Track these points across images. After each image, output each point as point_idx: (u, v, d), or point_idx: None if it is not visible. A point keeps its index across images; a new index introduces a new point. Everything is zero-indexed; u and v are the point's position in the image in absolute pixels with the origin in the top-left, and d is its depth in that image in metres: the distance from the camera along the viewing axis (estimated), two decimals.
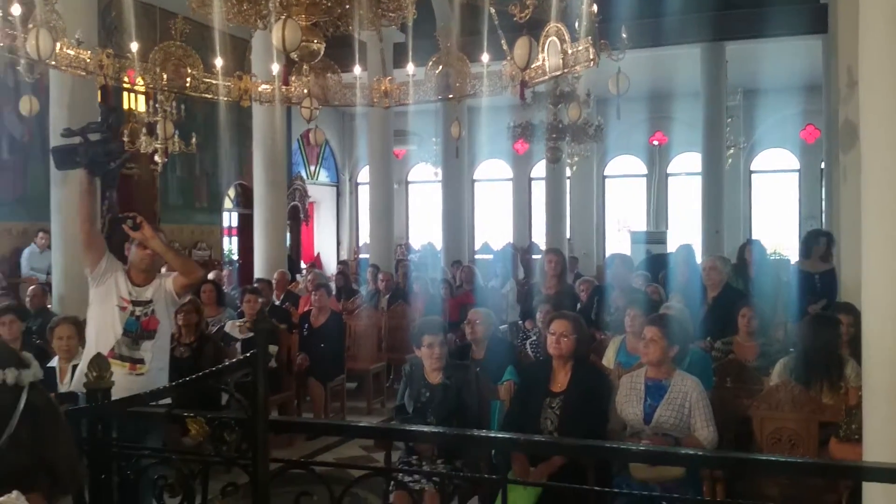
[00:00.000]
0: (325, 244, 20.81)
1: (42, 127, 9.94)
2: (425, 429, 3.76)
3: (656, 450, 3.31)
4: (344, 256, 19.74)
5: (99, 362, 2.94)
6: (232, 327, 7.28)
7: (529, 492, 4.06)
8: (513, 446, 3.09)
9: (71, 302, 8.09)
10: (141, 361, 4.32)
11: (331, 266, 18.26)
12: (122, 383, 3.65)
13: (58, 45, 5.49)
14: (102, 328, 4.37)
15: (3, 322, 5.76)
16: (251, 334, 6.97)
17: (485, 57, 5.95)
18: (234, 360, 5.80)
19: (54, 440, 1.56)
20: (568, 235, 16.22)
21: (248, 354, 2.73)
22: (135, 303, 4.35)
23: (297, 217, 18.48)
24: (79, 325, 5.33)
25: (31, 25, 5.34)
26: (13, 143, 11.95)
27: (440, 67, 6.49)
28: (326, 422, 3.83)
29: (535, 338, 6.06)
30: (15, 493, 1.48)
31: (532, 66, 5.45)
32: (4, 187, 11.93)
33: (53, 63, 5.61)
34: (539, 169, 18.75)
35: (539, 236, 18.29)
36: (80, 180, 4.25)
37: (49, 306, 8.13)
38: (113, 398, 2.95)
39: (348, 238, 21.47)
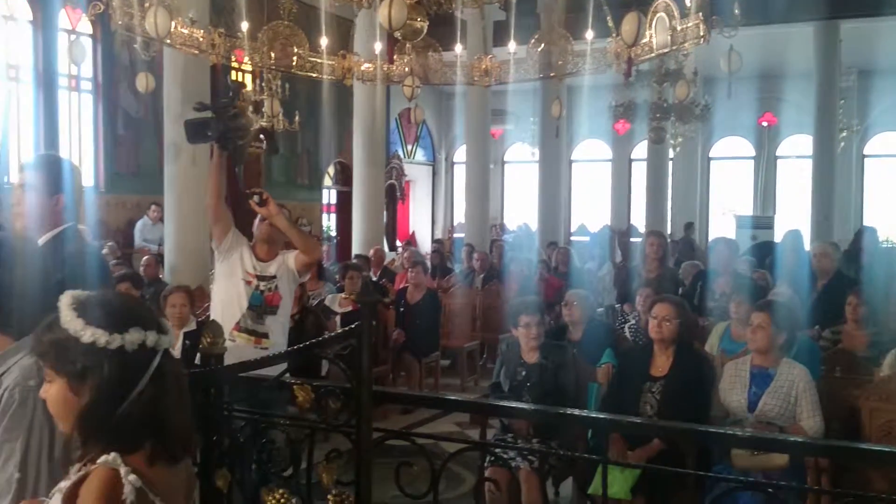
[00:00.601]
0: (420, 222, 21.01)
1: (156, 103, 10.37)
2: (526, 406, 3.76)
3: (760, 436, 3.22)
4: (438, 235, 19.88)
5: (213, 328, 3.05)
6: (332, 301, 7.44)
7: (626, 475, 4.03)
8: (614, 427, 3.06)
9: (182, 272, 8.46)
10: (265, 335, 4.34)
11: (425, 244, 18.42)
12: (248, 357, 3.68)
13: (172, 23, 5.71)
14: (228, 302, 4.40)
15: (119, 290, 6.04)
16: (349, 308, 7.13)
17: (589, 34, 5.86)
18: (335, 332, 5.92)
19: (174, 406, 1.63)
20: (686, 219, 15.86)
21: (353, 326, 2.79)
22: (259, 277, 4.37)
23: (394, 195, 18.71)
24: (191, 294, 5.56)
25: (147, 4, 5.57)
26: (128, 119, 12.50)
27: (542, 45, 6.43)
28: (428, 394, 3.87)
29: (634, 322, 5.97)
30: (112, 455, 1.55)
31: (639, 43, 5.34)
32: (120, 162, 12.51)
33: (168, 41, 5.84)
34: (640, 150, 18.38)
35: (638, 219, 17.96)
36: (209, 155, 4.34)
37: (161, 276, 8.51)
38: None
39: (443, 217, 21.61)
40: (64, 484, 1.57)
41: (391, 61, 6.58)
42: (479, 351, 9.29)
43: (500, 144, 20.44)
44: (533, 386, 4.56)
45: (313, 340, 3.01)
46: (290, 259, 4.44)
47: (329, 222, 17.46)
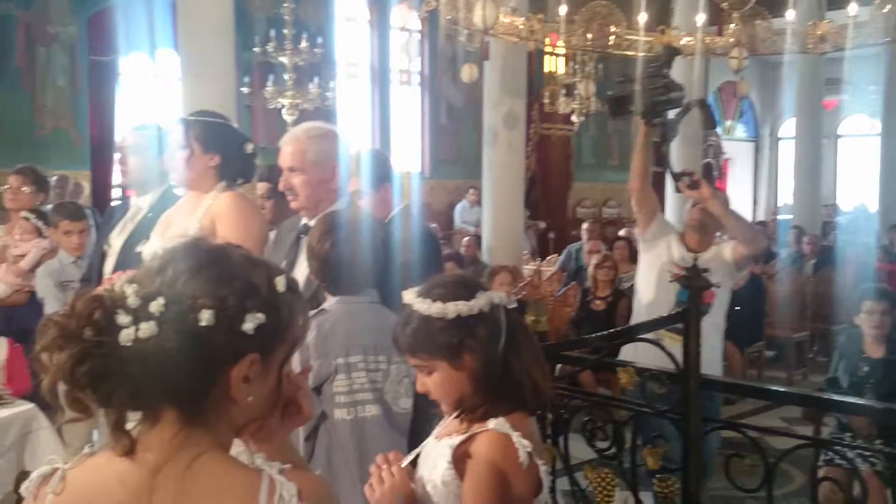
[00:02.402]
0: (739, 203, 19.84)
1: (476, 93, 10.87)
2: (874, 403, 3.39)
3: None
4: (761, 217, 18.64)
5: (536, 307, 3.15)
6: None
7: None
8: None
9: (498, 252, 8.82)
10: None
11: None
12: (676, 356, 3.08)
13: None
14: (652, 296, 3.91)
15: (446, 268, 6.43)
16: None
17: None
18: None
19: (531, 356, 1.71)
20: None
21: (680, 310, 2.71)
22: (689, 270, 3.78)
23: (710, 174, 17.82)
24: (513, 273, 5.77)
25: None
26: (450, 108, 13.30)
27: (889, 6, 5.74)
28: (759, 385, 3.61)
29: None
30: (500, 420, 1.62)
31: None
32: (442, 149, 13.37)
33: (491, 31, 6.07)
34: None
35: None
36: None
37: (479, 256, 8.93)
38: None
39: (765, 197, 20.22)
40: (448, 440, 1.68)
41: (719, 33, 6.25)
42: (810, 342, 8.57)
43: (833, 116, 18.56)
44: (878, 383, 4.10)
45: (639, 323, 2.96)
46: (727, 250, 3.88)
47: None
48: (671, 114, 3.58)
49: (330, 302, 2.29)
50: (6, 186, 4.22)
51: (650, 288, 3.90)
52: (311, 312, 2.23)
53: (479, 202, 11.21)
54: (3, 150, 8.52)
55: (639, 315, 4.00)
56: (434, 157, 13.31)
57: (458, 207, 12.77)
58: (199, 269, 1.10)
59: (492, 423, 1.61)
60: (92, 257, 3.36)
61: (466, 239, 9.19)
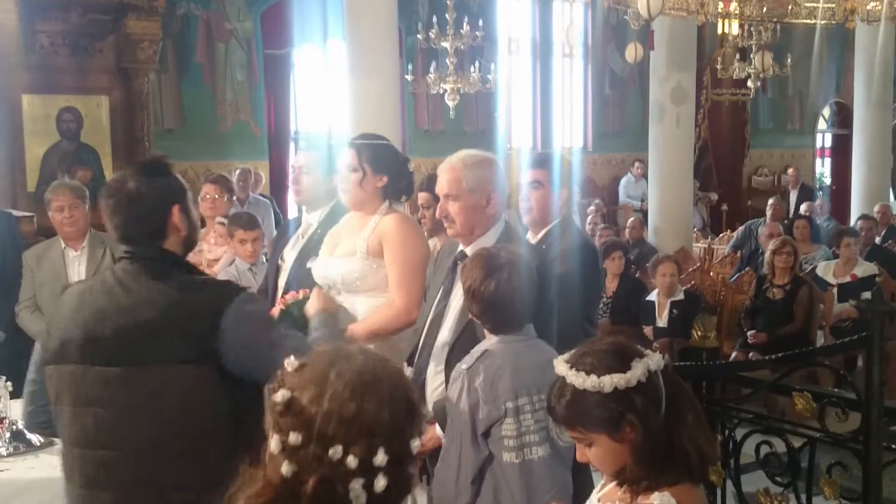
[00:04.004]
0: None
1: (642, 63, 10.48)
2: None
3: None
4: None
5: (704, 321, 3.03)
6: (825, 270, 6.81)
7: None
8: None
9: (665, 233, 8.54)
10: None
11: None
12: None
13: None
14: None
15: (613, 258, 6.21)
16: (847, 279, 6.49)
17: None
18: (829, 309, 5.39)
19: (694, 421, 1.61)
20: None
21: (862, 335, 2.52)
22: None
23: None
24: (679, 262, 5.55)
25: None
26: (615, 78, 12.90)
27: None
28: None
29: None
30: (667, 496, 1.54)
31: None
32: (606, 121, 13.03)
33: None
34: None
35: None
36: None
37: (644, 236, 8.66)
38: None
39: None
40: None
41: None
42: None
43: None
44: None
45: (818, 347, 2.79)
46: None
47: (822, 168, 16.02)
48: None
49: (492, 341, 2.30)
50: (203, 195, 4.53)
51: None
52: (476, 354, 2.26)
53: (644, 175, 10.86)
54: (190, 144, 9.18)
55: None
56: (597, 130, 13.00)
57: (623, 181, 12.44)
58: (384, 404, 1.14)
59: (656, 500, 1.55)
60: (268, 270, 3.56)
61: (631, 220, 8.92)
